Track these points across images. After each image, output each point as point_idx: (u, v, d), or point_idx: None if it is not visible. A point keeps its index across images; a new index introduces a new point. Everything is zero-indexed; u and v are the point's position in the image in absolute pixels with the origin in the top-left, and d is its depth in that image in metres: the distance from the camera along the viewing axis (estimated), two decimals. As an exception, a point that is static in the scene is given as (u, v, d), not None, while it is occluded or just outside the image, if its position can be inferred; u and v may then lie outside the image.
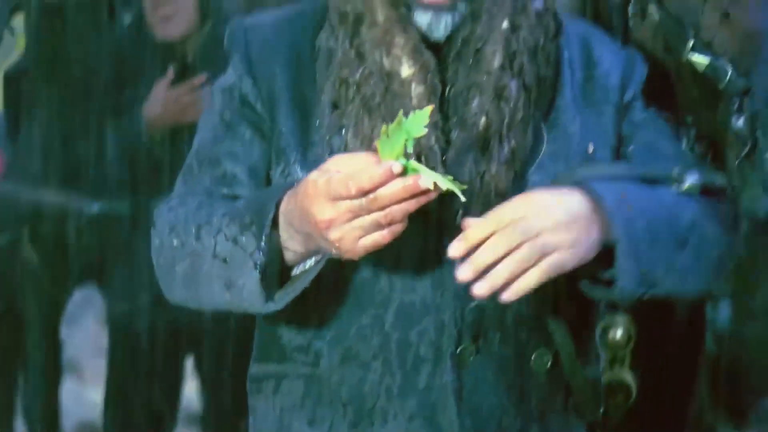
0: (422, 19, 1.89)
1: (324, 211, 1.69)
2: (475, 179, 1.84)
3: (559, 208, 1.76)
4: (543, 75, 1.92)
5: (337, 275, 1.88)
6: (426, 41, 1.88)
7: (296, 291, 1.82)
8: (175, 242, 1.91)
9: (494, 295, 1.75)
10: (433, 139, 1.81)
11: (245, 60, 1.97)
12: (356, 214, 1.67)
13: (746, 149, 2.08)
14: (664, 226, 1.85)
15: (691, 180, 1.98)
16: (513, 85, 1.87)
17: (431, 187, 1.64)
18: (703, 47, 2.11)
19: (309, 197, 1.70)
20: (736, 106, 2.08)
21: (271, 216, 1.79)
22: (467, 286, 1.74)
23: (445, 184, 1.65)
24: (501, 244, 1.71)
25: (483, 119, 1.84)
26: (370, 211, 1.67)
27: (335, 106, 1.89)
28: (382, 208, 1.67)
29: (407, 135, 1.67)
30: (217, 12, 3.80)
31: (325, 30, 1.96)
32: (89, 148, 3.72)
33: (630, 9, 2.27)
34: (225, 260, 1.84)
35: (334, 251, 1.73)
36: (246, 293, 1.82)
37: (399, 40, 1.87)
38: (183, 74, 3.77)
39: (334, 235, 1.70)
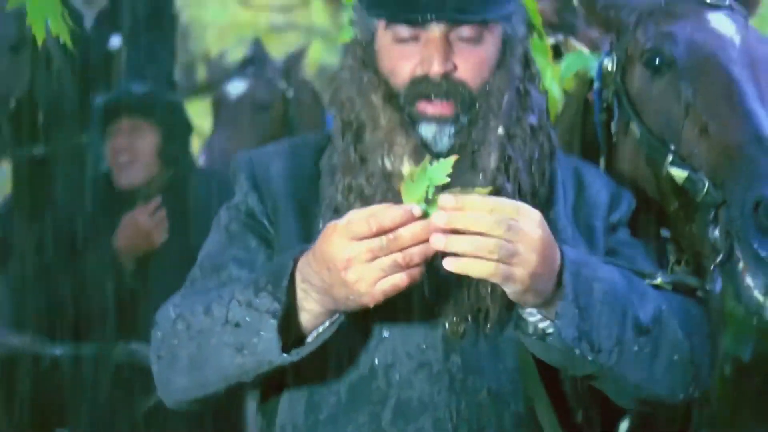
0: (427, 131, 1.99)
1: (343, 250, 1.75)
2: (470, 282, 1.91)
3: (545, 238, 1.79)
4: (538, 188, 2.03)
5: (333, 373, 1.96)
6: (428, 150, 1.98)
7: (312, 346, 1.88)
8: (180, 326, 1.96)
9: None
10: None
11: (251, 178, 2.08)
12: (375, 255, 1.74)
13: (721, 258, 2.17)
14: (621, 300, 1.89)
15: (662, 277, 2.11)
16: (509, 188, 1.97)
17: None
18: (681, 161, 2.23)
19: (328, 239, 1.77)
20: (712, 217, 2.18)
21: (289, 270, 1.86)
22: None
23: None
24: (483, 223, 1.73)
25: None
26: (389, 252, 1.73)
27: (336, 210, 1.98)
28: (402, 249, 1.72)
29: (430, 181, 1.75)
30: (178, 158, 4.14)
31: (328, 151, 2.07)
32: (63, 288, 3.90)
33: (613, 126, 2.40)
34: (237, 324, 1.89)
35: (350, 301, 1.78)
36: (261, 347, 1.86)
37: (401, 140, 1.98)
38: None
39: (352, 276, 1.75)
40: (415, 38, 2.01)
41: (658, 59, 2.31)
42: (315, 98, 5.41)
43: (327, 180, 2.04)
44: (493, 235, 1.73)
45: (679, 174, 2.22)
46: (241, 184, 2.09)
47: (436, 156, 1.92)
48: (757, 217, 2.06)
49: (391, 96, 2.01)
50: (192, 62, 8.38)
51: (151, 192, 4.08)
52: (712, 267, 2.19)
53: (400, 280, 1.75)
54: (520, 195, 1.98)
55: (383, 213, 1.73)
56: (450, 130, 1.99)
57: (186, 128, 4.36)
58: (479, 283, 1.93)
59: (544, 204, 2.03)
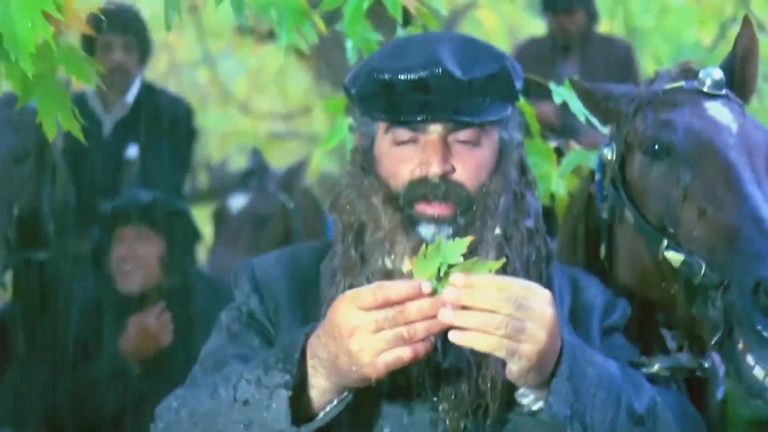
0: (426, 231, 2.04)
1: (349, 319, 1.80)
2: (472, 366, 1.95)
3: (554, 317, 1.83)
4: None
5: None
6: None
7: (322, 421, 1.90)
8: (184, 413, 1.99)
9: None
10: (432, 338, 1.90)
11: (252, 281, 2.12)
12: (380, 326, 1.78)
13: (719, 336, 2.19)
14: (616, 387, 1.92)
15: (658, 364, 2.18)
16: None
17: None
18: (677, 245, 2.27)
19: (336, 307, 1.82)
20: (710, 298, 2.21)
21: (300, 344, 1.90)
22: None
23: None
24: (492, 300, 1.77)
25: None
26: (395, 325, 1.77)
27: None
28: (407, 323, 1.76)
29: (443, 259, 1.80)
30: (181, 265, 4.19)
31: (328, 256, 2.11)
32: (63, 393, 3.89)
33: (605, 212, 2.46)
34: (246, 402, 1.92)
35: (354, 373, 1.81)
36: (271, 418, 1.89)
37: (402, 239, 2.02)
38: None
39: (355, 344, 1.79)
40: (414, 141, 2.06)
41: (657, 146, 2.37)
42: (316, 207, 5.46)
43: (327, 282, 2.07)
44: (501, 312, 1.77)
45: (675, 258, 2.26)
46: (242, 287, 2.13)
47: None
48: (758, 298, 2.10)
49: (391, 198, 2.05)
50: (194, 169, 8.42)
51: (154, 297, 4.10)
52: (711, 343, 2.21)
53: (403, 353, 1.78)
54: None
55: (390, 286, 1.78)
56: (448, 230, 2.03)
57: (192, 236, 4.41)
58: (479, 378, 1.96)
59: None
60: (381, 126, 2.09)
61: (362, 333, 1.78)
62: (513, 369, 1.83)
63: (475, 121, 2.05)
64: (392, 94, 2.04)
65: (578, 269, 2.30)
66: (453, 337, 1.78)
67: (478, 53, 2.08)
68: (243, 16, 2.61)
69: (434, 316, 1.78)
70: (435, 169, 2.02)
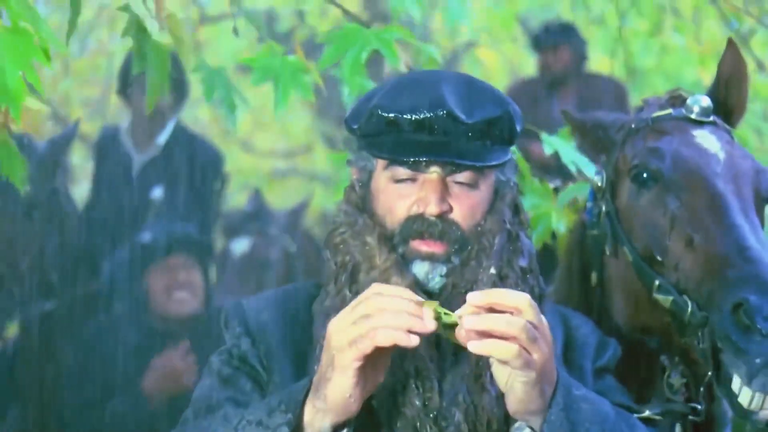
0: (419, 269, 2.05)
1: (333, 322, 1.86)
2: (469, 407, 1.97)
3: (551, 339, 1.88)
4: None
5: None
6: (421, 288, 2.03)
7: None
8: None
9: None
10: (430, 371, 1.94)
11: (243, 324, 2.12)
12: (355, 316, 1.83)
13: (710, 376, 2.23)
14: (610, 424, 1.93)
15: (650, 410, 2.23)
16: None
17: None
18: (668, 286, 2.29)
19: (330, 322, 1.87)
20: (698, 337, 2.23)
21: (306, 389, 1.90)
22: None
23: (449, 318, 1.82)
24: (517, 300, 1.83)
25: (472, 354, 1.92)
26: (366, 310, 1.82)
27: None
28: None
29: (445, 317, 1.83)
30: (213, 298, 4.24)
31: (320, 296, 2.11)
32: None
33: (607, 248, 2.46)
34: None
35: (331, 374, 1.84)
36: None
37: (396, 279, 2.02)
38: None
39: (335, 339, 1.83)
40: (413, 179, 2.07)
41: (645, 174, 2.38)
42: (317, 250, 5.46)
43: (320, 323, 2.06)
44: (524, 316, 1.81)
45: (665, 298, 2.28)
46: (233, 330, 2.12)
47: (429, 294, 2.01)
48: (737, 317, 2.12)
49: (385, 237, 2.06)
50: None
51: (180, 331, 4.12)
52: (706, 380, 2.24)
53: (368, 333, 1.81)
54: None
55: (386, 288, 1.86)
56: (441, 269, 2.05)
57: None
58: (477, 420, 1.97)
59: None
60: (380, 162, 2.10)
61: (341, 322, 1.84)
62: (517, 388, 1.85)
63: (477, 165, 2.06)
64: (396, 132, 2.05)
65: (569, 308, 2.31)
66: (473, 347, 1.80)
67: (480, 95, 2.09)
68: (234, 121, 2.67)
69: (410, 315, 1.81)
70: (433, 209, 2.04)
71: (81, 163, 6.87)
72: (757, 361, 2.09)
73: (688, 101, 2.44)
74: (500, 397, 1.93)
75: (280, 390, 1.99)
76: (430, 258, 2.04)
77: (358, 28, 2.77)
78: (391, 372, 1.93)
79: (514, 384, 1.85)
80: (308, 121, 8.78)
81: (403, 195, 2.07)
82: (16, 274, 3.58)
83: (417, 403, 1.95)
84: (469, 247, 2.05)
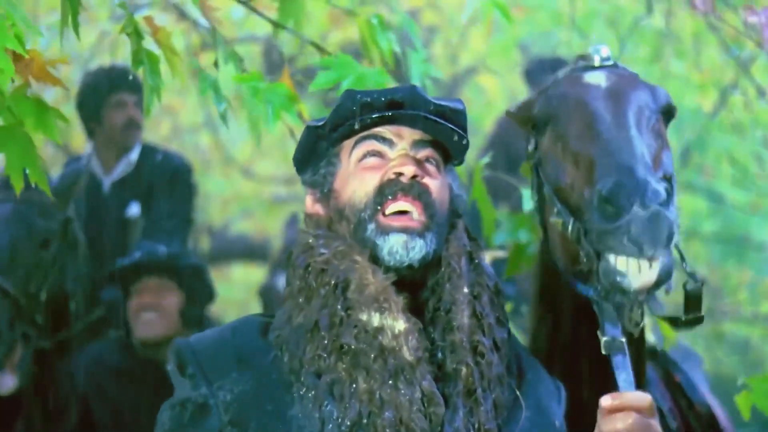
0: (396, 240, 2.06)
1: None
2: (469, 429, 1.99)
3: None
4: (504, 348, 2.11)
5: None
6: (400, 263, 2.04)
7: None
8: None
9: None
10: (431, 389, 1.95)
11: (197, 366, 2.05)
12: None
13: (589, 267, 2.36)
14: None
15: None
16: (486, 343, 2.05)
17: None
18: (563, 210, 2.43)
19: None
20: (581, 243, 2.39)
21: None
22: None
23: None
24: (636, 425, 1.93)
25: (464, 369, 2.00)
26: None
27: (318, 375, 1.98)
28: None
29: None
30: (198, 321, 4.24)
31: (277, 325, 2.08)
32: None
33: (534, 196, 2.66)
34: None
35: None
36: None
37: (395, 298, 2.02)
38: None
39: None
40: (381, 155, 2.13)
41: (541, 120, 2.57)
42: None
43: (291, 349, 2.03)
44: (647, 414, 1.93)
45: (556, 222, 2.45)
46: (189, 373, 2.06)
47: (408, 267, 2.05)
48: (602, 209, 2.26)
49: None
50: (195, 233, 8.44)
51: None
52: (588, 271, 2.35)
53: None
54: (496, 349, 2.08)
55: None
56: (419, 242, 2.07)
57: (209, 292, 4.46)
58: None
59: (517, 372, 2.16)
60: (346, 151, 2.14)
61: None
62: None
63: (442, 124, 2.12)
64: (368, 112, 2.11)
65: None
66: None
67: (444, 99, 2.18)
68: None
69: None
70: (410, 169, 2.08)
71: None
72: (628, 229, 2.21)
73: (589, 50, 2.62)
74: (494, 416, 2.00)
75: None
76: (406, 230, 2.06)
77: (352, 61, 2.83)
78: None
79: None
80: (309, 147, 8.76)
81: (374, 167, 2.12)
82: (38, 307, 3.60)
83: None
84: (443, 268, 2.09)
